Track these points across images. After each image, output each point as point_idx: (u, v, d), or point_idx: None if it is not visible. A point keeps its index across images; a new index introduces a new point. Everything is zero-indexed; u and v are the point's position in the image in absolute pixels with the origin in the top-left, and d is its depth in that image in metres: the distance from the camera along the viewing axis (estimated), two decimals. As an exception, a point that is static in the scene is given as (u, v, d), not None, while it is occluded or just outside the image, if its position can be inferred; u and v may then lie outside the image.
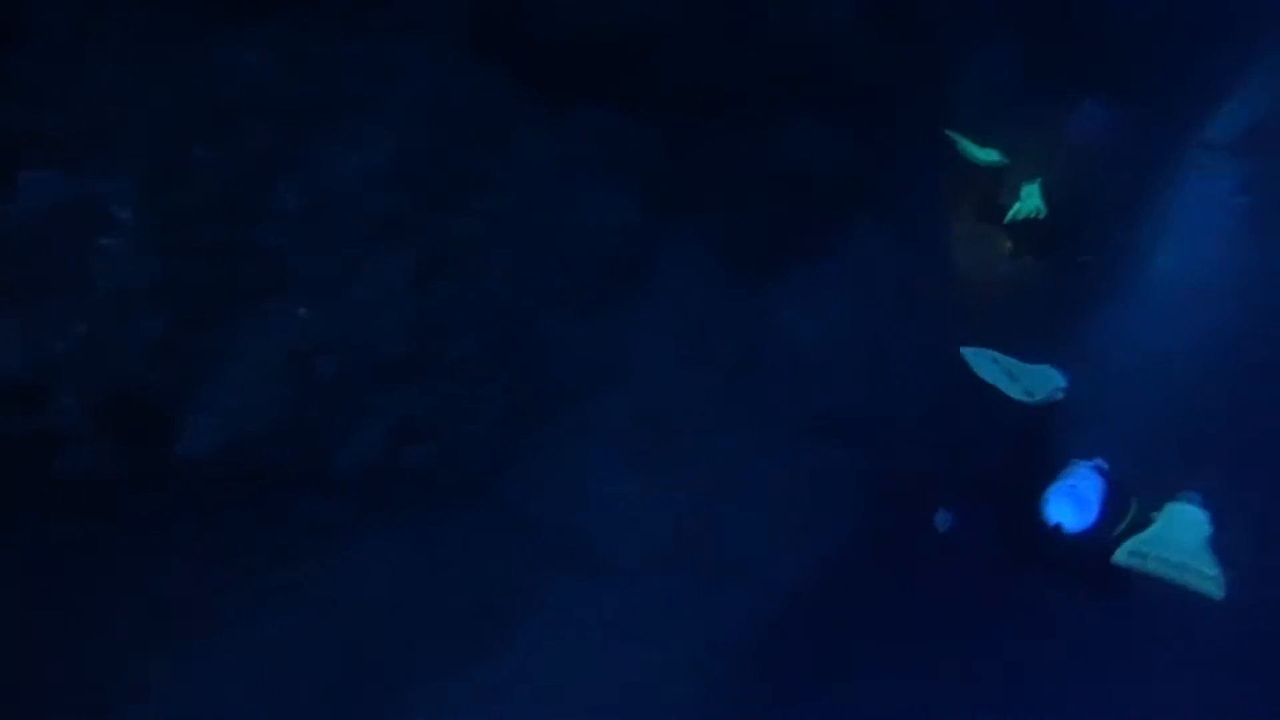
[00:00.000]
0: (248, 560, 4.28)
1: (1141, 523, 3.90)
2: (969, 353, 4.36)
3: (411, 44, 4.13)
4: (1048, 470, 4.13)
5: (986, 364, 4.32)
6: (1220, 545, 3.75)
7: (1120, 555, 3.77)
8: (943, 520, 4.81)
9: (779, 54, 4.64)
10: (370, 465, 4.21)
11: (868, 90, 5.10)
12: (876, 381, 6.06)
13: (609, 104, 4.46)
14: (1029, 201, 5.60)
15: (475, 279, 4.39)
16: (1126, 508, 4.06)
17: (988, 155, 5.51)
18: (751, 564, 6.08)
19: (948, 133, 5.49)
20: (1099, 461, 4.24)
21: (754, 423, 5.64)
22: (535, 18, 4.20)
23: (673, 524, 5.48)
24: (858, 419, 6.17)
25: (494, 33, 4.24)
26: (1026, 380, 4.29)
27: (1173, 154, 8.30)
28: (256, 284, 3.70)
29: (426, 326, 4.26)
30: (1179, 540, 3.75)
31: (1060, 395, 4.31)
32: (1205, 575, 3.65)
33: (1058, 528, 3.95)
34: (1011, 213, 5.64)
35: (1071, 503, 3.94)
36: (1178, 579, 3.66)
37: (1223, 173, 9.64)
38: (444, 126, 4.31)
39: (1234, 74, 8.07)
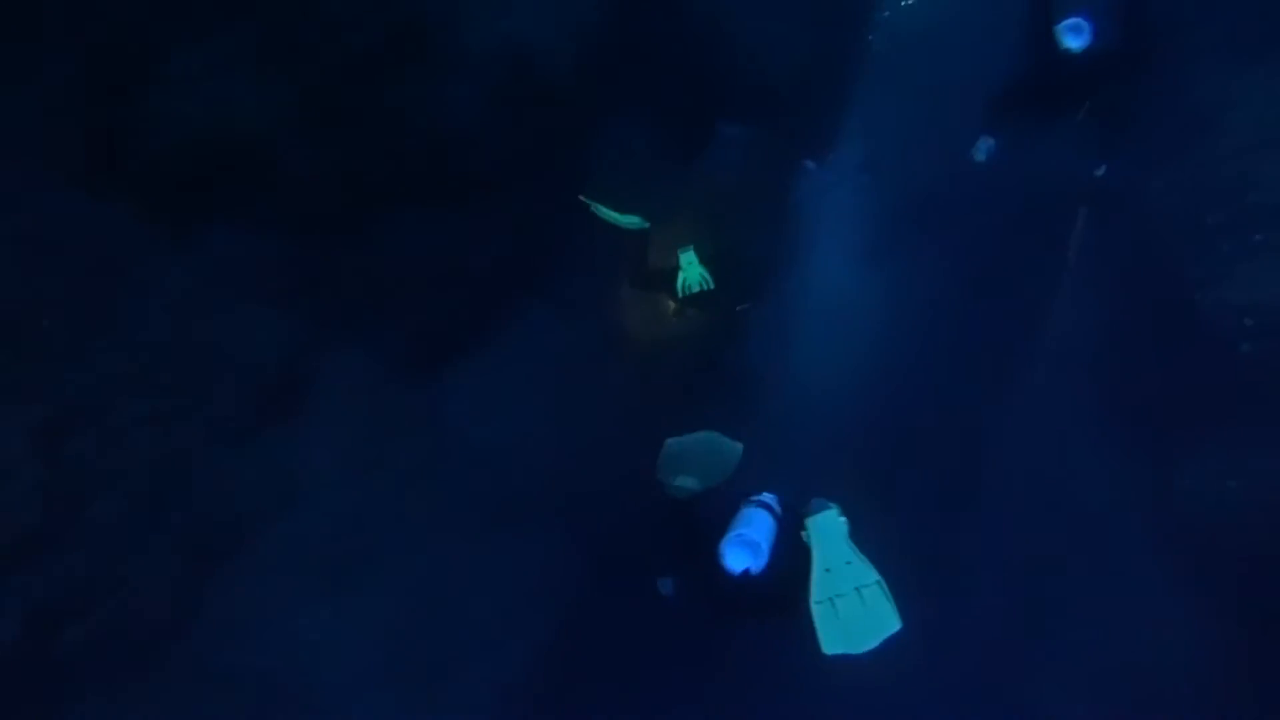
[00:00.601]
0: None
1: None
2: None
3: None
4: (722, 523, 4.37)
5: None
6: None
7: (824, 645, 4.11)
8: (664, 585, 4.95)
9: (409, 148, 4.63)
10: (11, 660, 3.68)
11: (507, 172, 5.20)
12: (560, 460, 6.15)
13: (237, 221, 4.24)
14: (691, 271, 5.86)
15: (112, 428, 4.00)
16: (799, 527, 4.40)
17: (628, 220, 5.71)
18: (469, 663, 5.92)
19: (582, 198, 5.63)
20: (764, 497, 4.51)
21: (444, 524, 5.53)
22: (141, 137, 3.93)
23: (378, 643, 5.22)
24: (550, 500, 6.22)
25: (95, 155, 3.92)
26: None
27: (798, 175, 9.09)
28: None
29: (60, 491, 3.83)
30: (834, 552, 4.19)
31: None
32: (870, 584, 4.10)
33: (746, 573, 4.14)
34: (682, 287, 5.87)
35: (743, 549, 4.12)
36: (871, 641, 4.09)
37: (850, 194, 10.81)
38: (55, 260, 3.92)
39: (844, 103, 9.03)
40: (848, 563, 4.20)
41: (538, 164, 5.47)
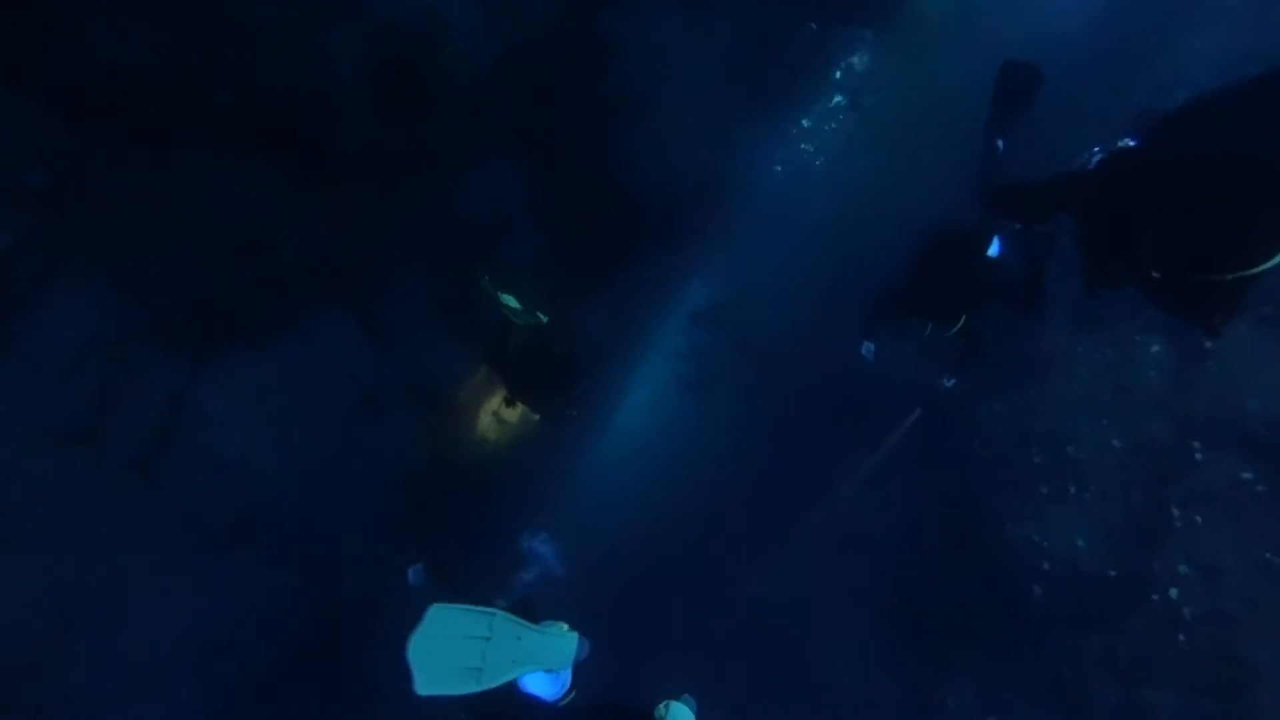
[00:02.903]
0: None
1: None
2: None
3: None
4: None
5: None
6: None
7: None
8: (414, 574, 3.94)
9: (254, 78, 3.66)
10: None
11: (365, 155, 4.30)
12: (311, 487, 5.10)
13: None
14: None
15: None
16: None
17: (529, 318, 5.19)
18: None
19: (484, 283, 5.09)
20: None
21: (148, 525, 4.33)
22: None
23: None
24: (283, 526, 5.14)
25: None
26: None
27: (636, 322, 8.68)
28: None
29: None
30: None
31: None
32: None
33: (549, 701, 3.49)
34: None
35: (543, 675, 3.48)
36: None
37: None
38: None
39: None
40: None
41: (403, 162, 4.62)
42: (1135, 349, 6.16)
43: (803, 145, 10.83)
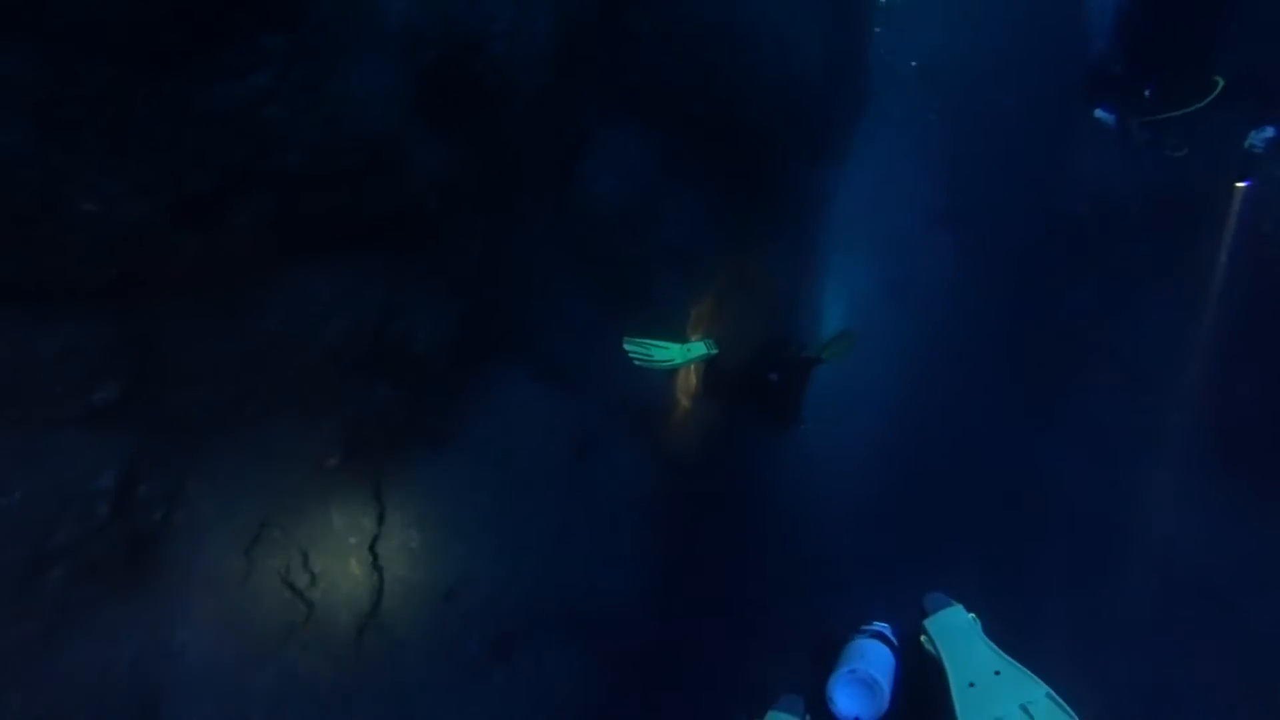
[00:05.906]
0: None
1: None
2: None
3: None
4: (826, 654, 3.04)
5: None
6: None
7: None
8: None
9: (302, 162, 2.97)
10: None
11: (452, 201, 3.59)
12: (562, 574, 4.46)
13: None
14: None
15: None
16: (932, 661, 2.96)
17: (693, 352, 4.44)
18: None
19: (628, 348, 4.31)
20: (876, 626, 3.16)
21: (420, 677, 3.80)
22: None
23: None
24: (554, 625, 4.55)
25: None
26: None
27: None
28: None
29: None
30: (974, 660, 2.75)
31: None
32: (1039, 699, 2.58)
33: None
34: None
35: (859, 688, 2.91)
36: None
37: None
38: None
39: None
40: (996, 672, 2.68)
41: (501, 181, 3.85)
42: None
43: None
